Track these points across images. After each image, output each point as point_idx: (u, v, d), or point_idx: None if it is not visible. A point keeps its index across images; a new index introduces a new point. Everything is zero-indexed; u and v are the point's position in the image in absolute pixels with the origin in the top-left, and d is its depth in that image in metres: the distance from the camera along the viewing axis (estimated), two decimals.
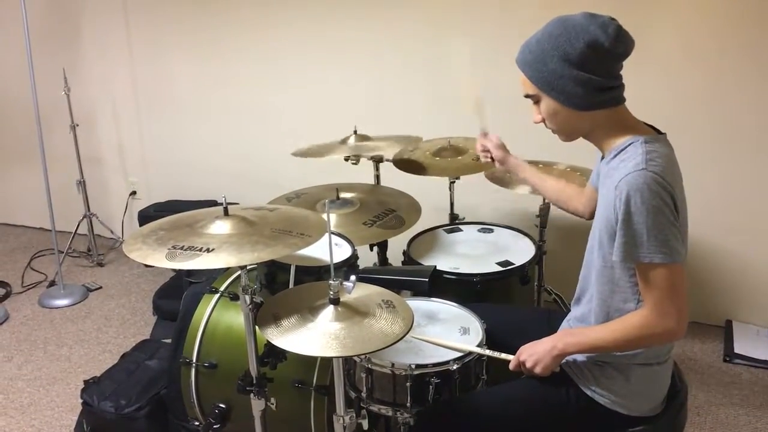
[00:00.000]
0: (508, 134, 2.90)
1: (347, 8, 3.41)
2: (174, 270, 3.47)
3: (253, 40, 3.67)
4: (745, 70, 2.86)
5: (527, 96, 1.64)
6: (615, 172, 1.53)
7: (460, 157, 2.77)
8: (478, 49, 3.20)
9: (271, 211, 1.84)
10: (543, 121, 1.65)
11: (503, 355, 1.77)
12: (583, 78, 1.52)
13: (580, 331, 1.69)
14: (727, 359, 2.98)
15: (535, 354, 1.65)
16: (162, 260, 1.56)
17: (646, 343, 1.58)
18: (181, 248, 1.59)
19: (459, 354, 1.80)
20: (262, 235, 1.66)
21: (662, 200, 1.45)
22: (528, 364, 1.66)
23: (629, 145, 1.55)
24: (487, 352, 1.80)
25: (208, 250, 1.57)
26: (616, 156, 1.57)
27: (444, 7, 3.23)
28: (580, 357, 1.69)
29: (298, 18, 3.52)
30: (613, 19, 1.53)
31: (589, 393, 1.67)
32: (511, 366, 1.72)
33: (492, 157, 2.19)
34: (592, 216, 1.98)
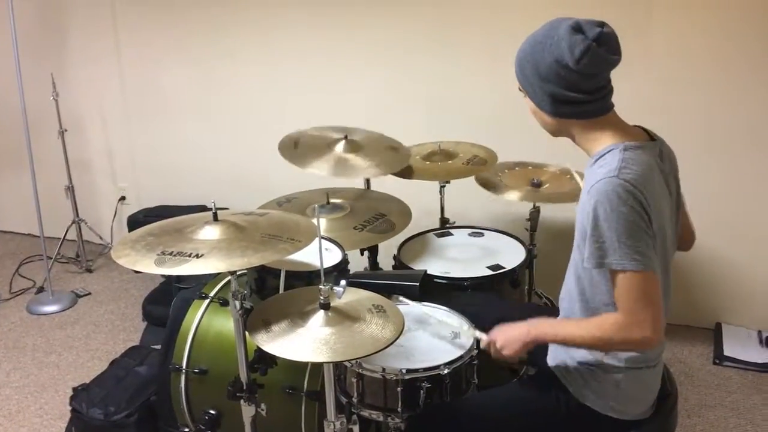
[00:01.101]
0: (503, 134, 2.93)
1: (340, 13, 3.41)
2: (163, 275, 3.46)
3: (243, 44, 3.66)
4: (740, 74, 2.88)
5: (519, 89, 1.66)
6: (592, 177, 1.53)
7: (450, 161, 2.78)
8: (475, 51, 3.21)
9: (261, 216, 1.84)
10: None
11: (478, 333, 1.81)
12: (549, 89, 1.54)
13: (557, 322, 1.70)
14: (717, 362, 2.99)
15: (507, 336, 1.67)
16: (151, 266, 1.55)
17: (620, 346, 1.57)
18: (170, 254, 1.58)
19: (450, 359, 1.79)
20: (251, 240, 1.66)
21: (631, 207, 1.45)
22: (498, 345, 1.68)
23: (609, 151, 1.55)
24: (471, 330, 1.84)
25: (197, 256, 1.57)
26: (596, 161, 1.57)
27: (440, 14, 3.24)
28: (570, 361, 1.69)
29: (289, 23, 3.52)
30: (598, 38, 1.47)
31: (579, 397, 1.67)
32: (482, 344, 1.76)
33: None
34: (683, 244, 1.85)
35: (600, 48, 1.48)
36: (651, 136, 1.63)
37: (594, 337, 1.55)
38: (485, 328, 1.80)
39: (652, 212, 1.49)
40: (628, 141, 1.55)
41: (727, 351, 3.02)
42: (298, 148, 2.59)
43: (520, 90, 1.65)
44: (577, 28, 1.50)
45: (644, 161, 1.53)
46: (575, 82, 1.52)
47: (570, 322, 1.66)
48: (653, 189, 1.52)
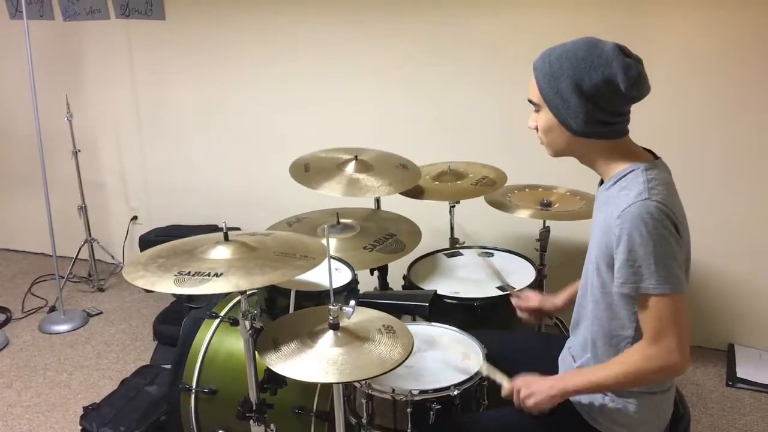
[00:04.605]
0: (509, 156, 2.94)
1: (348, 33, 3.44)
2: (174, 295, 3.47)
3: (254, 66, 3.70)
4: (746, 90, 2.88)
5: (530, 101, 1.61)
6: (616, 200, 1.52)
7: (459, 182, 2.78)
8: (477, 73, 3.23)
9: (267, 237, 1.84)
10: (537, 128, 1.63)
11: (499, 377, 1.74)
12: (587, 108, 1.51)
13: (579, 371, 1.66)
14: (730, 384, 2.96)
15: (532, 388, 1.62)
16: (170, 286, 1.55)
17: (647, 379, 1.56)
18: (188, 274, 1.58)
19: (461, 379, 1.79)
20: (267, 258, 1.66)
21: (666, 229, 1.44)
22: (522, 394, 1.63)
23: (629, 172, 1.54)
24: (485, 366, 1.79)
25: (216, 275, 1.57)
26: (615, 183, 1.56)
27: (445, 33, 3.26)
28: None
29: (299, 43, 3.55)
30: (639, 61, 1.51)
31: (591, 422, 1.66)
32: (503, 392, 1.69)
33: (536, 312, 2.09)
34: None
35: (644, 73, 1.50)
36: (655, 156, 1.62)
37: (622, 375, 1.53)
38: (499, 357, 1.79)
39: (681, 231, 1.49)
40: (644, 161, 1.55)
41: (741, 373, 2.99)
42: (310, 171, 2.61)
43: (533, 103, 1.60)
44: (625, 51, 1.51)
45: (666, 180, 1.53)
46: (617, 104, 1.52)
47: (593, 368, 1.62)
48: (679, 206, 1.52)
